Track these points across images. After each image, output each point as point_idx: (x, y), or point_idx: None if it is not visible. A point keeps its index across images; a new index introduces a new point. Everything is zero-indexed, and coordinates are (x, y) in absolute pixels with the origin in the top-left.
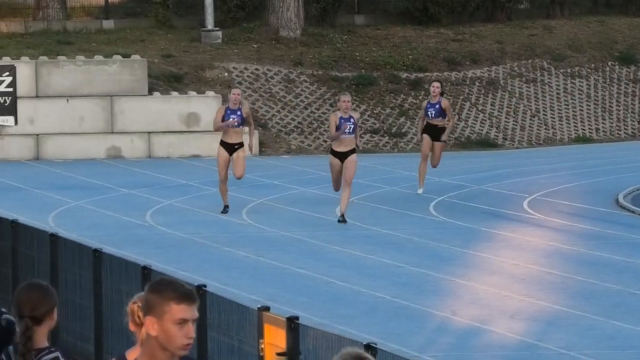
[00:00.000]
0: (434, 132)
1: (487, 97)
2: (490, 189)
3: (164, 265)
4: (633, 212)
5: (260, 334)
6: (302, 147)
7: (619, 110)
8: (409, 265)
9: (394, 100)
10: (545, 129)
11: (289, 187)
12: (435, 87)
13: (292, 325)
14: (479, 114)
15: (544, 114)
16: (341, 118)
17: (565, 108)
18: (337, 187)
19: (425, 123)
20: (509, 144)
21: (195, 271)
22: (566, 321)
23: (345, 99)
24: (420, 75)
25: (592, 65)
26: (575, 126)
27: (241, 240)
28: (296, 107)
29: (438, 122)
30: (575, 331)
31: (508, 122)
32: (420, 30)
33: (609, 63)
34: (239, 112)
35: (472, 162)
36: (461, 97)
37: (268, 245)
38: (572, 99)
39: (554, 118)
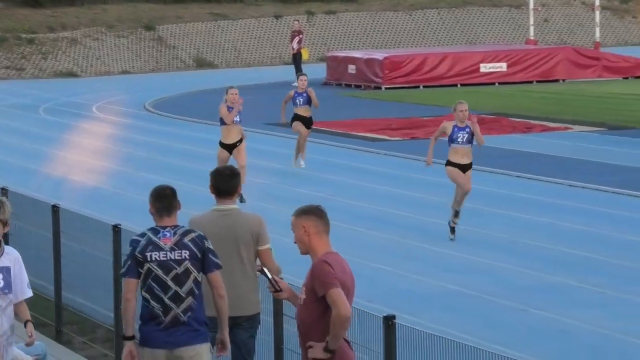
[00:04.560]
0: (305, 122)
1: None
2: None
3: None
4: (160, 114)
5: None
6: None
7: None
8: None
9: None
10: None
11: None
12: (304, 80)
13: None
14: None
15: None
16: (455, 127)
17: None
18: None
19: (292, 113)
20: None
21: None
22: None
23: (462, 107)
24: None
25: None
26: (122, 63)
27: None
28: None
29: (304, 111)
30: None
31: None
32: None
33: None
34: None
35: (65, 87)
36: None
37: None
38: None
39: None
